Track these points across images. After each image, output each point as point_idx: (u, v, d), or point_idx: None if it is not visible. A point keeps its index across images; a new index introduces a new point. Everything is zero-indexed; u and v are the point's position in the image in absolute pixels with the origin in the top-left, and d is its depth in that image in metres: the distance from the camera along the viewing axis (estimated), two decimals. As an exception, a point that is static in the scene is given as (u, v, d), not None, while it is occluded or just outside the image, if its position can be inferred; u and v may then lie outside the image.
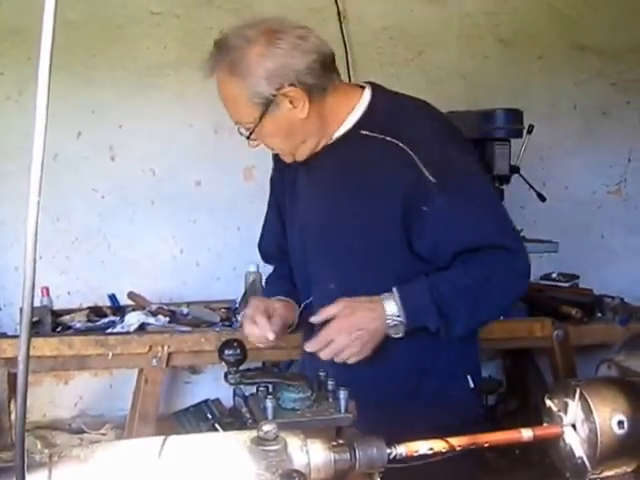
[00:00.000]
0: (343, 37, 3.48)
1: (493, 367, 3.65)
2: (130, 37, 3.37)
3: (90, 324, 2.83)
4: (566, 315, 3.00)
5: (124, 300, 3.21)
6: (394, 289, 1.66)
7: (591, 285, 3.41)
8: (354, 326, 1.64)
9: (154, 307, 2.93)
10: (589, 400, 1.62)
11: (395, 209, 1.69)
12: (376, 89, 1.85)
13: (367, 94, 1.82)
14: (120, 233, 3.39)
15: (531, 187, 3.13)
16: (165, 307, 2.94)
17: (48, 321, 2.74)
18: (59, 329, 2.81)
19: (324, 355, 1.65)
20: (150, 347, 2.70)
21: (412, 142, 1.69)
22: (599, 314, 3.12)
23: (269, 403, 1.34)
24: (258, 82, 1.67)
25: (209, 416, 3.07)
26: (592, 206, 3.83)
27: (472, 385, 1.80)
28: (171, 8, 3.39)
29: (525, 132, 3.10)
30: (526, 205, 3.64)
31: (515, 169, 3.08)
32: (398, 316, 1.65)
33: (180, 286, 3.40)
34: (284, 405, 1.46)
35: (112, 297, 3.12)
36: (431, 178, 1.66)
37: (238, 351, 1.47)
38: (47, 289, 3.03)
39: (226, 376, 1.47)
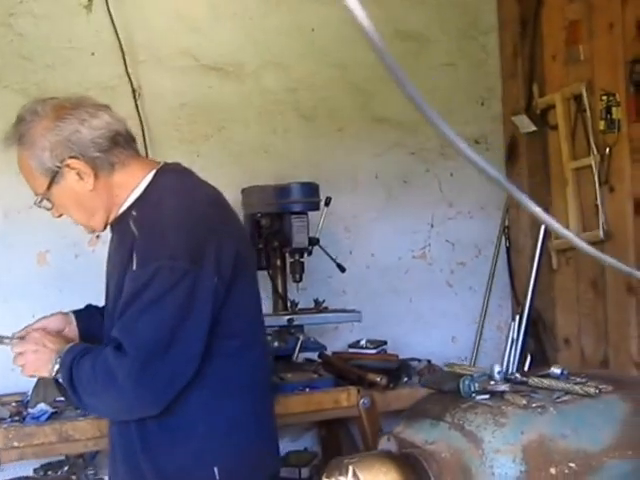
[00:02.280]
0: (139, 114, 3.43)
1: (309, 438, 3.62)
2: None
3: None
4: (372, 382, 3.02)
5: None
6: (70, 345, 1.88)
7: (401, 349, 3.46)
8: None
9: None
10: (360, 477, 1.61)
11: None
12: (163, 170, 1.92)
13: (151, 175, 1.89)
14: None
15: (330, 258, 3.17)
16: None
17: None
18: None
19: None
20: None
21: (141, 227, 1.80)
22: (405, 378, 3.15)
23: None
24: (42, 154, 1.80)
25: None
26: (399, 271, 3.92)
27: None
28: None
29: (323, 204, 3.15)
30: (333, 275, 3.68)
31: (314, 241, 3.10)
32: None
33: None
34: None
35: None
36: (134, 266, 1.76)
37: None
38: None
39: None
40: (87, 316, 2.10)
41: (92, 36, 3.40)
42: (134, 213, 1.85)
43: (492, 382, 1.66)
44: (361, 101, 3.84)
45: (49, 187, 1.85)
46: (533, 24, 3.91)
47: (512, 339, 4.16)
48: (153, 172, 1.92)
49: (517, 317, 3.99)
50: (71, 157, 1.81)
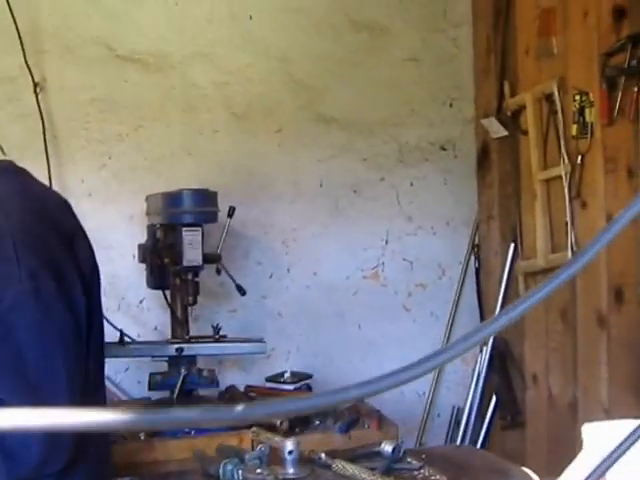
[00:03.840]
0: (40, 110, 3.04)
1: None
2: None
3: None
4: (272, 425, 2.56)
5: None
6: None
7: (344, 383, 2.99)
8: None
9: None
10: None
11: None
12: None
13: None
14: None
15: (231, 278, 2.72)
16: None
17: None
18: None
19: None
20: None
21: None
22: (317, 422, 2.68)
23: None
24: None
25: None
26: (346, 292, 3.45)
27: None
28: None
29: (227, 215, 2.71)
30: (269, 295, 3.26)
31: (213, 258, 2.67)
32: None
33: None
34: None
35: None
36: None
37: None
38: None
39: None
40: None
41: (-11, 21, 3.02)
42: None
43: (259, 470, 1.20)
44: (304, 98, 3.38)
45: None
46: (505, 14, 3.42)
47: (477, 373, 3.61)
48: None
49: (484, 349, 3.53)
50: None
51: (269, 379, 2.92)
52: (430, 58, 3.57)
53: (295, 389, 2.86)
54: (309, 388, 2.92)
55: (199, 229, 2.59)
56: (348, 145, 3.44)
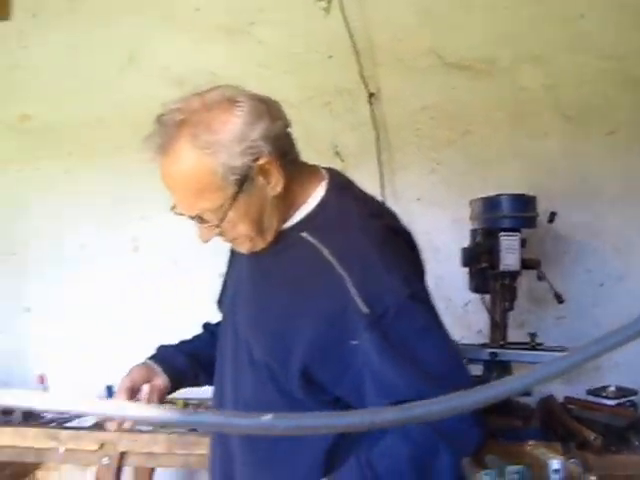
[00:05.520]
0: (374, 119, 3.23)
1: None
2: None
3: (59, 416, 2.77)
4: (584, 441, 2.47)
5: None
6: None
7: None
8: None
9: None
10: None
11: (315, 336, 1.46)
12: (333, 183, 1.61)
13: (323, 187, 1.59)
14: (141, 325, 3.33)
15: (549, 285, 2.66)
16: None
17: (19, 411, 2.71)
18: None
19: None
20: (101, 445, 2.58)
21: (346, 261, 1.46)
22: (637, 442, 2.53)
23: None
24: (230, 155, 1.43)
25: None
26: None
27: None
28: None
29: (547, 221, 2.67)
30: (600, 303, 3.15)
31: (532, 263, 2.64)
32: None
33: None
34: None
35: (109, 388, 3.05)
36: (364, 308, 1.40)
37: None
38: (42, 377, 3.07)
39: None
40: (176, 358, 1.87)
41: (330, 39, 3.28)
42: (310, 237, 1.53)
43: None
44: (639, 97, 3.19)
45: (234, 198, 1.46)
46: None
47: None
48: (325, 184, 1.60)
49: None
50: (263, 157, 1.46)
51: (590, 392, 2.81)
52: None
53: (617, 405, 2.73)
54: (633, 405, 2.76)
55: (517, 234, 2.58)
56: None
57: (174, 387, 1.83)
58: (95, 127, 3.35)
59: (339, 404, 1.48)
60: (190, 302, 3.30)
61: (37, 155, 3.41)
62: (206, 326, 2.03)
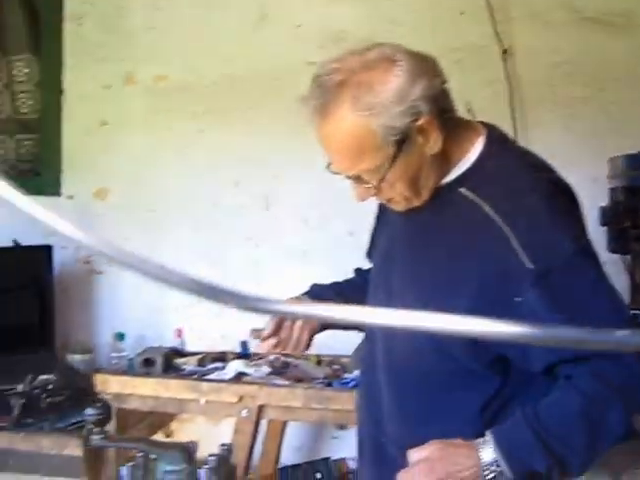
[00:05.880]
0: (507, 76, 3.19)
1: None
2: (287, 88, 3.40)
3: (199, 368, 2.86)
4: None
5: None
6: (488, 434, 1.43)
7: None
8: (443, 473, 1.42)
9: (272, 357, 2.88)
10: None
11: (475, 293, 1.45)
12: (491, 137, 1.58)
13: (480, 142, 1.56)
14: (272, 282, 3.40)
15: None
16: (281, 358, 2.88)
17: (159, 362, 2.81)
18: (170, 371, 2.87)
19: None
20: (241, 397, 2.65)
21: (510, 216, 1.45)
22: None
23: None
24: (391, 116, 1.42)
25: (318, 476, 2.93)
26: None
27: None
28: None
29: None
30: None
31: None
32: (498, 465, 1.40)
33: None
34: (157, 476, 1.45)
35: (244, 344, 3.12)
36: (528, 264, 1.40)
37: (100, 411, 1.43)
38: (180, 331, 3.17)
39: (87, 437, 1.43)
40: (328, 296, 1.89)
41: (462, -6, 3.25)
42: (469, 192, 1.52)
43: None
44: None
45: (394, 158, 1.45)
46: None
47: None
48: (482, 139, 1.56)
49: None
50: (422, 117, 1.44)
51: None
52: None
53: None
54: None
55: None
56: None
57: (323, 327, 1.86)
58: (228, 86, 3.41)
59: (498, 364, 1.48)
60: (319, 260, 3.37)
61: (172, 115, 3.50)
62: (357, 271, 2.03)
